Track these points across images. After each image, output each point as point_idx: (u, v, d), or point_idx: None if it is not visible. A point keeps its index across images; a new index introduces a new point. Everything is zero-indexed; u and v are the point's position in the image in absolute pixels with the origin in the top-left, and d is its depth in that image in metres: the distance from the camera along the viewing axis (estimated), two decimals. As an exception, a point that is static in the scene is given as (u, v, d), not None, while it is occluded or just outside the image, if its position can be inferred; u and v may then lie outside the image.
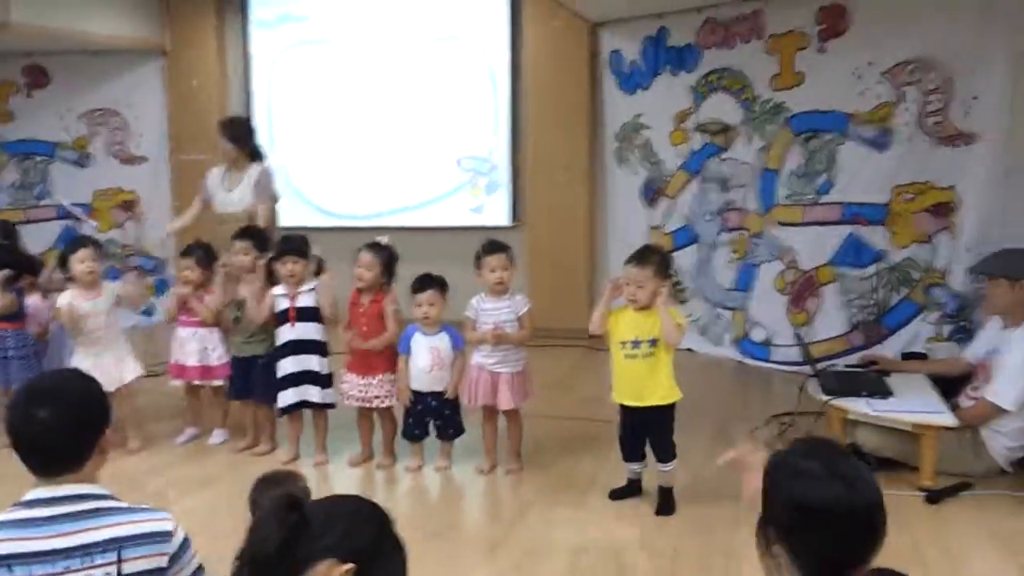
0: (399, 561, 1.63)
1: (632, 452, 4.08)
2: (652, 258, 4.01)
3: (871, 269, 5.88)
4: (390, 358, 4.53)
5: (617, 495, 4.13)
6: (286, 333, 4.56)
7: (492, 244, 4.44)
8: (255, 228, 4.95)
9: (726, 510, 3.83)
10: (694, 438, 4.62)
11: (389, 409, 4.57)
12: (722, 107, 6.50)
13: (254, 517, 1.61)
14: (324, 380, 4.60)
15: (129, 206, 8.00)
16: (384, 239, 4.64)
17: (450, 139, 7.53)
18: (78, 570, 1.84)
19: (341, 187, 7.69)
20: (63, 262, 4.65)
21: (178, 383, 4.94)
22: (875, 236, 5.85)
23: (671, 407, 3.98)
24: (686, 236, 6.85)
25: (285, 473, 1.74)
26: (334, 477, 4.51)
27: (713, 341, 6.76)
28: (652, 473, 4.10)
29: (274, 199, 5.56)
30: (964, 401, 4.38)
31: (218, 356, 4.86)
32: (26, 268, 5.15)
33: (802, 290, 6.19)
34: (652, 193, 7.01)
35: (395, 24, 7.58)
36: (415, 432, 4.51)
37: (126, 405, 4.84)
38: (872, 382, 4.53)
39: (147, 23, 7.78)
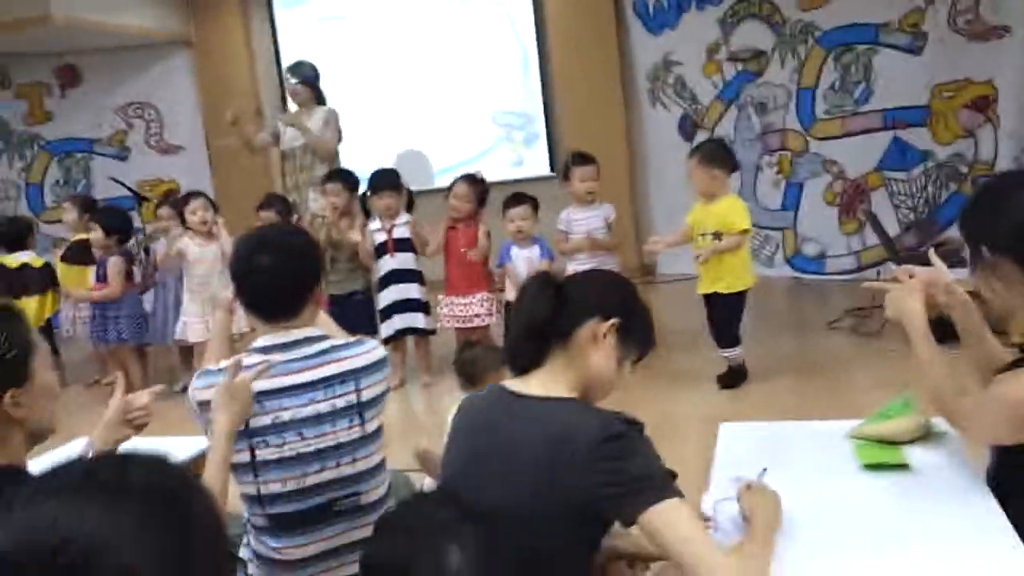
0: (648, 319, 1.83)
1: (717, 335, 4.37)
2: (704, 148, 4.37)
3: (918, 169, 6.10)
4: (487, 278, 4.71)
5: (725, 381, 4.35)
6: (386, 264, 4.72)
7: (581, 156, 4.65)
8: (344, 169, 5.12)
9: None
10: (771, 346, 4.84)
11: (487, 328, 4.73)
12: (752, 34, 6.71)
13: (520, 293, 1.81)
14: (425, 307, 4.77)
15: (172, 195, 8.10)
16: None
17: (482, 97, 7.70)
18: (321, 400, 2.01)
19: (380, 158, 7.80)
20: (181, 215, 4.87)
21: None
22: (918, 137, 6.08)
23: (734, 296, 4.24)
24: (727, 164, 7.04)
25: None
26: (441, 399, 4.67)
27: (764, 263, 6.95)
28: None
29: (339, 133, 5.76)
30: None
31: (316, 295, 5.02)
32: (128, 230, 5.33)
33: (851, 199, 6.41)
34: (689, 127, 7.20)
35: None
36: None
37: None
38: (950, 254, 4.74)
39: (173, 15, 7.90)
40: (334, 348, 2.10)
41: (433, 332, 4.82)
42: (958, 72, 5.86)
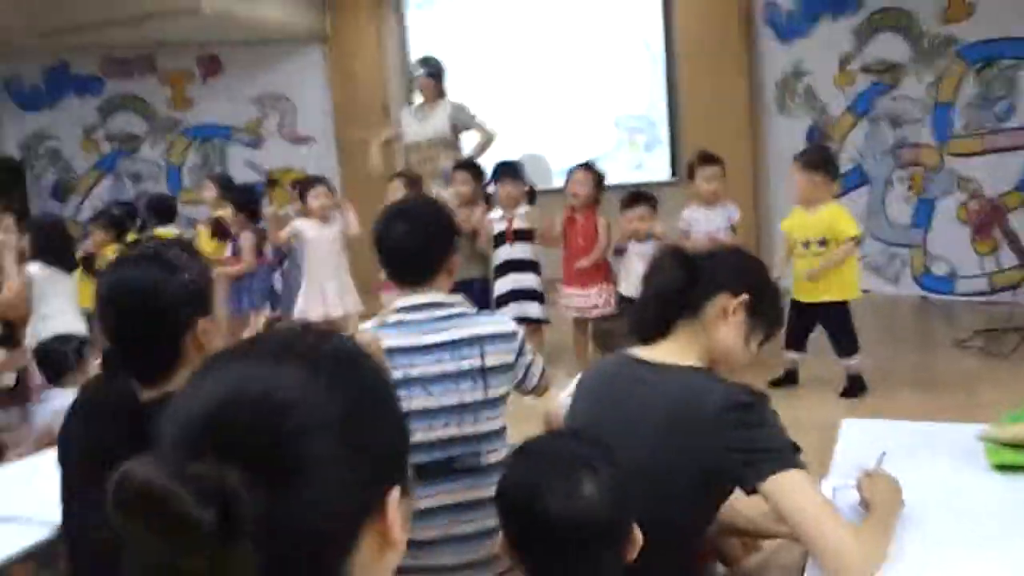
0: (778, 299, 1.81)
1: (795, 340, 4.26)
2: (810, 156, 4.27)
3: (1061, 190, 5.81)
4: (605, 271, 4.74)
5: (776, 383, 4.28)
6: (504, 253, 4.80)
7: (706, 155, 4.63)
8: (471, 160, 5.24)
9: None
10: (895, 361, 4.70)
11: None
12: (888, 46, 6.52)
13: (652, 264, 1.82)
14: (540, 296, 4.83)
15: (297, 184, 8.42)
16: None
17: (605, 99, 7.72)
18: (447, 361, 2.09)
19: (504, 154, 7.94)
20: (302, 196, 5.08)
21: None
22: (1064, 157, 5.79)
23: (843, 305, 4.15)
24: (856, 178, 6.85)
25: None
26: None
27: (891, 280, 6.74)
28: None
29: (481, 127, 5.94)
30: None
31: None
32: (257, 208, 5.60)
33: (988, 219, 6.14)
34: (818, 137, 7.04)
35: (548, -7, 7.82)
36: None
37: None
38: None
39: (311, 11, 8.22)
40: (463, 315, 2.19)
41: (547, 321, 4.87)
42: (1112, 89, 5.55)
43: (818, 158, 4.31)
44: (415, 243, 2.18)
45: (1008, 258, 6.05)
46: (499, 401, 2.17)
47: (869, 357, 4.34)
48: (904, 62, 6.46)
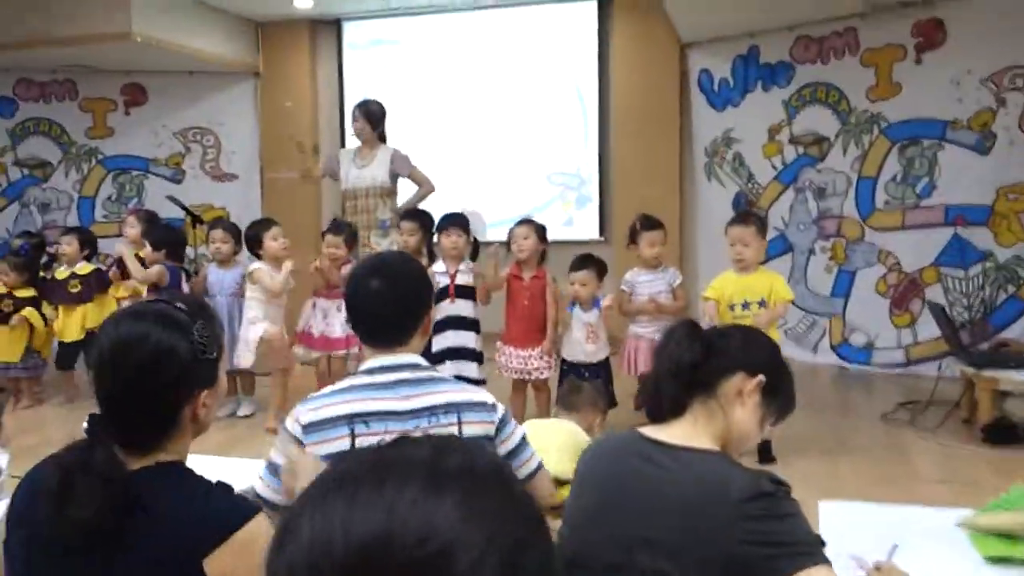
0: (791, 380, 1.79)
1: None
2: (753, 218, 4.34)
3: (976, 269, 6.07)
4: (545, 332, 4.68)
5: (761, 456, 4.29)
6: (445, 309, 4.70)
7: (649, 220, 4.66)
8: (420, 210, 5.15)
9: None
10: (824, 431, 4.77)
11: (545, 381, 4.69)
12: (817, 119, 6.75)
13: (665, 338, 1.77)
14: (479, 357, 4.73)
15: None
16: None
17: (540, 155, 7.76)
18: (427, 428, 1.97)
19: (434, 205, 7.87)
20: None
21: (313, 354, 5.09)
22: (979, 237, 6.05)
23: None
24: (780, 246, 7.02)
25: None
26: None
27: (809, 348, 6.90)
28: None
29: (418, 174, 5.89)
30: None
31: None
32: (179, 247, 5.36)
33: (906, 292, 6.37)
34: (743, 205, 7.20)
35: (482, 44, 7.86)
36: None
37: (276, 384, 4.99)
38: (1018, 356, 4.69)
39: (243, 44, 8.05)
40: (440, 379, 2.09)
41: (483, 382, 4.78)
42: (1025, 176, 5.86)
43: (757, 221, 4.39)
44: (392, 302, 2.06)
45: (924, 331, 6.26)
46: None
47: (796, 425, 4.36)
48: (830, 136, 6.70)
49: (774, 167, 7.03)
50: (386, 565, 0.60)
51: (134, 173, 8.25)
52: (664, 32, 7.27)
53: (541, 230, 4.70)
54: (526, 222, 4.74)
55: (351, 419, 1.95)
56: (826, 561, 1.48)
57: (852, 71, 6.50)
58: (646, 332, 4.54)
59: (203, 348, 1.47)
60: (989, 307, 6.08)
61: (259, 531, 1.41)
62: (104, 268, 6.00)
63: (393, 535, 0.61)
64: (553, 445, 2.70)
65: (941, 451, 4.45)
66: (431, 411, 1.99)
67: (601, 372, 4.56)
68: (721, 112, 7.27)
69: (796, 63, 6.83)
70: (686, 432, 1.65)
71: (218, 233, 5.36)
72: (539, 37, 7.76)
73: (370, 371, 2.03)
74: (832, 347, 6.78)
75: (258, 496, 1.94)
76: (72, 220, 8.10)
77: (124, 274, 5.63)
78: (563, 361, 4.64)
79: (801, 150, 6.87)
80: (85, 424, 1.41)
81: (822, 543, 1.52)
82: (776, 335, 4.30)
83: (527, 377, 4.64)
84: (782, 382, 1.73)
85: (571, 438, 2.94)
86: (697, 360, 1.66)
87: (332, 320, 5.00)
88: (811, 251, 6.90)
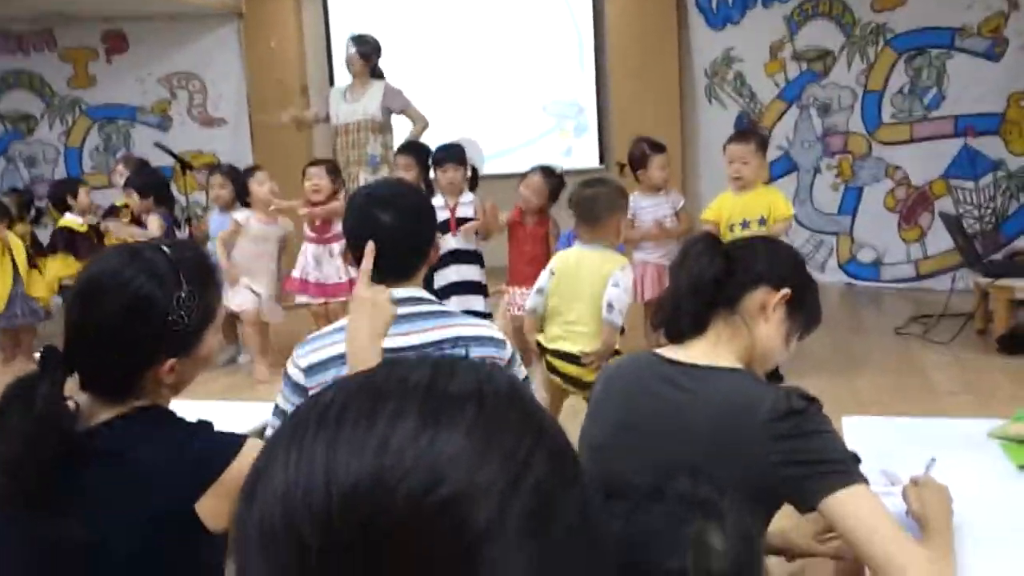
0: (817, 293, 1.67)
1: None
2: (753, 135, 4.19)
3: (987, 179, 5.93)
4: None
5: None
6: (447, 243, 4.56)
7: (656, 144, 4.51)
8: (416, 143, 4.99)
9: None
10: (838, 348, 4.68)
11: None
12: (820, 33, 6.54)
13: (682, 254, 1.65)
14: (484, 290, 4.63)
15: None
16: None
17: (535, 84, 7.56)
18: None
19: (430, 139, 7.70)
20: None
21: (308, 300, 4.93)
22: (990, 146, 5.91)
23: None
24: (783, 166, 6.86)
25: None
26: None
27: (816, 268, 6.78)
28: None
29: (412, 110, 5.70)
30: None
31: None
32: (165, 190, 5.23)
33: (915, 206, 6.24)
34: (747, 125, 7.02)
35: (474, -27, 7.60)
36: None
37: (256, 334, 4.87)
38: (1029, 265, 4.59)
39: (224, -15, 7.79)
40: (445, 313, 1.99)
41: (490, 316, 4.68)
42: (1037, 81, 5.69)
43: (757, 138, 4.24)
44: (401, 233, 1.93)
45: (934, 245, 6.15)
46: None
47: (808, 344, 4.28)
48: (834, 50, 6.49)
49: (776, 85, 6.83)
50: (380, 517, 0.48)
51: (120, 122, 8.05)
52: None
53: (557, 187, 4.50)
54: (546, 173, 4.51)
55: None
56: (862, 479, 1.39)
57: (856, -19, 6.29)
58: (651, 258, 4.42)
59: (178, 317, 1.34)
60: (1000, 217, 5.96)
61: (250, 461, 1.32)
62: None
63: (388, 480, 0.49)
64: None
65: (957, 363, 4.37)
66: (438, 345, 1.90)
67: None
68: (720, 31, 7.04)
69: (797, -24, 6.60)
70: (707, 351, 1.54)
71: (217, 179, 5.17)
72: (529, -39, 7.50)
73: None
74: (840, 265, 6.68)
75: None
76: (60, 173, 7.94)
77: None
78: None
79: (804, 66, 6.67)
80: (37, 355, 1.30)
81: (857, 460, 1.42)
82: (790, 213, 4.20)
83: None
84: (807, 295, 1.62)
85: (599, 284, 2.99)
86: (719, 275, 1.55)
87: (325, 266, 4.84)
88: (816, 169, 6.74)
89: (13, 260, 5.24)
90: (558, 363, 3.14)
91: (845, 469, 1.38)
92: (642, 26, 7.26)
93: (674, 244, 4.44)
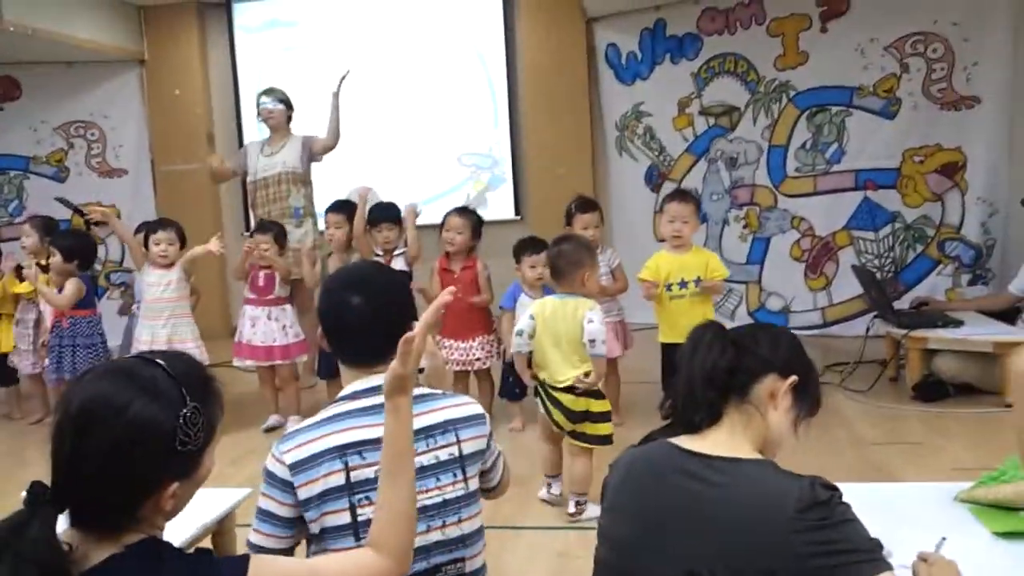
0: (818, 380, 1.73)
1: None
2: (692, 196, 4.34)
3: (886, 230, 6.25)
4: (487, 320, 4.56)
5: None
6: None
7: (584, 201, 4.58)
8: (346, 201, 4.92)
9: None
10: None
11: (488, 370, 4.57)
12: (726, 90, 6.80)
13: (690, 342, 1.67)
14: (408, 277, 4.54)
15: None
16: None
17: (450, 136, 7.58)
18: (424, 452, 1.85)
19: (341, 190, 7.60)
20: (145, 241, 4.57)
21: (249, 364, 4.77)
22: (887, 199, 6.24)
23: None
24: (694, 217, 7.06)
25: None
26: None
27: (727, 316, 6.98)
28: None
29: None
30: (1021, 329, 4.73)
31: (295, 333, 4.74)
32: (91, 255, 4.98)
33: (819, 256, 6.51)
34: (656, 178, 7.23)
35: (387, 24, 7.60)
36: (515, 391, 4.52)
37: None
38: (941, 315, 4.84)
39: (125, 31, 7.55)
40: (430, 396, 1.95)
41: (422, 371, 4.61)
42: (929, 138, 6.05)
43: (696, 200, 4.37)
44: (376, 318, 1.90)
45: (838, 293, 6.43)
46: (477, 494, 1.94)
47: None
48: (740, 106, 6.75)
49: (685, 139, 7.05)
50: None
51: (12, 173, 7.67)
52: (569, 6, 7.18)
53: (477, 225, 4.55)
54: (463, 212, 4.58)
55: (343, 451, 1.79)
56: (887, 566, 1.42)
57: (759, 41, 6.57)
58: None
59: (186, 438, 1.25)
60: (899, 265, 6.28)
61: None
62: None
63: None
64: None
65: (878, 412, 4.55)
66: (427, 432, 1.86)
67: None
68: (630, 86, 7.23)
69: (703, 35, 6.85)
70: (726, 441, 1.56)
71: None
72: (443, 14, 7.55)
73: (354, 395, 1.87)
74: (749, 312, 6.89)
75: (256, 547, 1.77)
76: (-50, 226, 7.50)
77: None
78: (505, 350, 4.52)
79: (712, 121, 6.91)
80: (24, 493, 1.19)
81: (880, 546, 1.46)
82: (711, 312, 4.28)
83: (469, 368, 4.51)
84: (811, 380, 1.66)
85: (575, 328, 3.37)
86: (732, 364, 1.58)
87: (261, 328, 4.68)
88: (725, 221, 6.97)
89: None
90: (559, 395, 3.43)
91: (872, 557, 1.42)
92: (555, 79, 7.39)
93: (611, 300, 4.48)
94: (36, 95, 7.61)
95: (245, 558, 1.28)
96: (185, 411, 1.25)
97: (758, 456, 1.55)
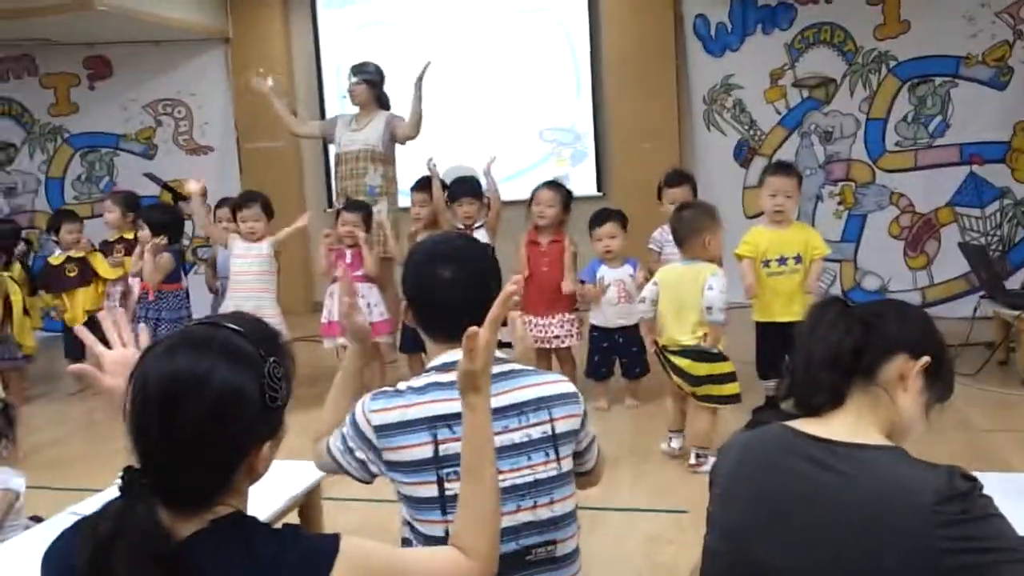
0: (952, 361, 1.56)
1: (771, 366, 4.00)
2: (795, 169, 4.15)
3: (994, 207, 5.91)
4: (569, 298, 4.45)
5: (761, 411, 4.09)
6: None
7: (673, 174, 4.44)
8: (427, 179, 4.86)
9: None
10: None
11: (568, 349, 4.47)
12: (822, 61, 6.51)
13: (811, 319, 1.52)
14: (503, 320, 4.48)
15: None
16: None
17: (532, 111, 7.45)
18: (516, 429, 1.77)
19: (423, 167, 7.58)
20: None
21: (340, 342, 4.75)
22: (996, 174, 5.90)
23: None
24: (785, 193, 6.80)
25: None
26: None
27: (821, 296, 6.72)
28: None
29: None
30: None
31: (380, 312, 4.71)
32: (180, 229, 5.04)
33: (920, 233, 6.21)
34: (745, 153, 6.98)
35: (469, -1, 7.50)
36: (601, 371, 4.42)
37: None
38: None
39: (211, 9, 7.62)
40: (523, 372, 1.87)
41: (509, 345, 4.53)
42: (1044, 109, 5.69)
43: (798, 173, 4.16)
44: (467, 290, 1.83)
45: (940, 272, 6.12)
46: (571, 476, 1.85)
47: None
48: (836, 77, 6.46)
49: (777, 112, 6.78)
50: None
51: (103, 151, 7.82)
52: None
53: (567, 198, 4.45)
54: (553, 186, 4.50)
55: (432, 423, 1.74)
56: None
57: (858, 10, 6.27)
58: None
59: (274, 393, 1.19)
60: (1007, 244, 5.94)
61: (352, 563, 1.18)
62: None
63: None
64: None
65: (986, 397, 4.30)
66: (520, 408, 1.78)
67: (636, 340, 4.33)
68: (719, 58, 6.98)
69: (797, 4, 6.57)
70: (850, 425, 1.42)
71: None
72: (525, -14, 7.41)
73: (444, 367, 1.81)
74: (844, 292, 6.62)
75: (330, 452, 1.85)
76: (40, 204, 7.72)
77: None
78: (592, 327, 4.41)
79: (806, 93, 6.63)
80: (118, 480, 1.12)
81: (1029, 545, 1.30)
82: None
83: (548, 346, 4.40)
84: (944, 362, 1.50)
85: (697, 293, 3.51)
86: (859, 344, 1.43)
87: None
88: (819, 197, 6.69)
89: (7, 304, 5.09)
90: (676, 359, 3.58)
91: (1021, 557, 1.26)
92: (640, 52, 7.19)
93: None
94: (125, 74, 7.75)
95: (336, 538, 1.21)
96: (267, 367, 1.18)
97: (887, 442, 1.40)
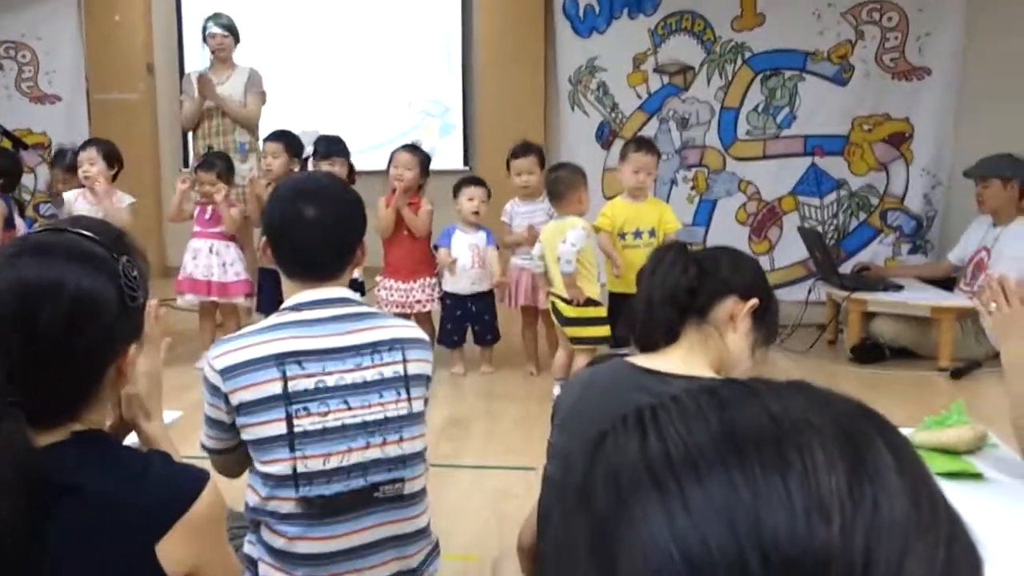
0: (777, 305, 1.70)
1: (625, 337, 4.21)
2: (655, 147, 4.37)
3: (831, 197, 6.31)
4: (430, 262, 4.48)
5: None
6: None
7: (524, 146, 4.53)
8: (285, 131, 4.77)
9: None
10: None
11: (428, 314, 4.51)
12: (682, 48, 6.75)
13: (652, 262, 1.63)
14: (360, 287, 4.47)
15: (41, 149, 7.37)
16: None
17: (401, 81, 7.41)
18: (368, 367, 1.83)
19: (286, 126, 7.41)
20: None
21: (190, 299, 4.62)
22: (834, 166, 6.28)
23: None
24: (643, 175, 7.04)
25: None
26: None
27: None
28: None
29: (264, 97, 5.45)
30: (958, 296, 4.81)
31: (236, 272, 4.60)
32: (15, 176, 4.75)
33: (764, 220, 6.55)
34: (607, 135, 7.16)
35: (340, -38, 7.37)
36: (454, 338, 4.49)
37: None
38: (882, 280, 4.90)
39: (62, -51, 7.19)
40: (378, 314, 1.93)
41: (362, 290, 4.54)
42: (879, 107, 6.11)
43: (657, 150, 4.34)
44: (328, 230, 1.85)
45: (781, 258, 6.48)
46: (421, 417, 1.90)
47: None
48: (695, 65, 6.71)
49: (639, 96, 6.99)
50: None
51: (-65, 94, 7.28)
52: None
53: (426, 161, 4.46)
54: (411, 149, 4.48)
55: (281, 359, 1.75)
56: None
57: (718, 0, 6.52)
58: (526, 263, 4.40)
59: (132, 292, 1.16)
60: (842, 233, 6.35)
61: (213, 503, 1.17)
62: None
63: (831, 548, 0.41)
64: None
65: (816, 372, 4.60)
66: (374, 347, 1.83)
67: (488, 307, 4.42)
68: (586, 39, 7.13)
69: (662, -9, 6.78)
70: (683, 360, 1.53)
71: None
72: (397, -45, 7.34)
73: (297, 307, 1.83)
74: (693, 275, 6.91)
75: (209, 449, 1.81)
76: None
77: None
78: (445, 295, 4.46)
79: (666, 79, 6.86)
80: None
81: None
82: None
83: (408, 311, 4.43)
84: (771, 306, 1.63)
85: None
86: (694, 284, 1.54)
87: (203, 261, 4.51)
88: (673, 181, 6.95)
89: None
90: (558, 303, 4.00)
91: None
92: (511, 28, 7.25)
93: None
94: (-37, 12, 7.22)
95: (204, 476, 1.19)
96: (120, 267, 1.15)
97: (713, 375, 1.51)
